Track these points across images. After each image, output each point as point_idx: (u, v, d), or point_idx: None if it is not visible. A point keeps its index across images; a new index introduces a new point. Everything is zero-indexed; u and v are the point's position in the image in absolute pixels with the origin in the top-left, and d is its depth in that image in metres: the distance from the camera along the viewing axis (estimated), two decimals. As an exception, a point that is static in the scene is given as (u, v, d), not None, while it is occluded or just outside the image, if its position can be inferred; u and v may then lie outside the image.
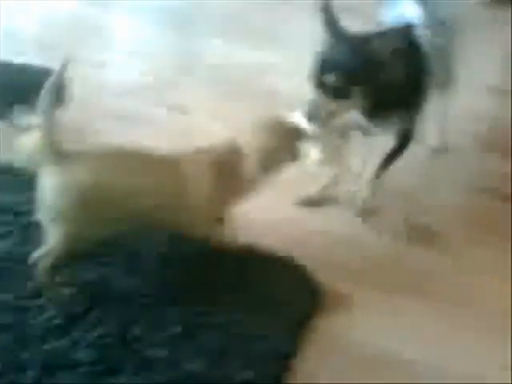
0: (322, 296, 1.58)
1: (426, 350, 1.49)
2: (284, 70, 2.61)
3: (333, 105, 1.64)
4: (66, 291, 1.49)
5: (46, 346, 1.37)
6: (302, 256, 1.66)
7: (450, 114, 2.20)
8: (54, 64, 1.47)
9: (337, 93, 1.62)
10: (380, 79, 1.63)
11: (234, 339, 1.43)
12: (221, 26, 2.97)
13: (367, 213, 1.89)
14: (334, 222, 1.86)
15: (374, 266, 1.71)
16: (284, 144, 1.52)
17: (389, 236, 1.82)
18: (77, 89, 2.38)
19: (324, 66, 1.63)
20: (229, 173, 1.49)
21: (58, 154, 1.37)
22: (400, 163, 1.90)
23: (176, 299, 1.50)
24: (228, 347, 1.41)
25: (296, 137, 1.54)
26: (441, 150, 2.17)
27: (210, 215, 1.54)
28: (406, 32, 1.70)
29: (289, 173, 1.59)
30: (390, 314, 1.57)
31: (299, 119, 1.59)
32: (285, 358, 1.42)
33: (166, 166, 1.47)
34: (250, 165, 1.48)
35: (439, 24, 1.83)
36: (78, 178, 1.37)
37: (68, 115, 2.19)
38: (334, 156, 1.83)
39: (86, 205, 1.38)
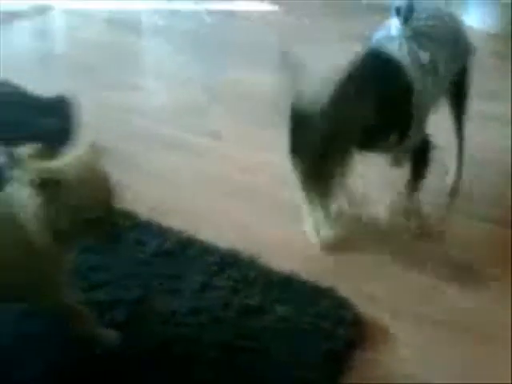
0: (362, 327, 1.57)
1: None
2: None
3: None
4: None
5: None
6: (336, 286, 1.65)
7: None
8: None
9: None
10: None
11: (274, 366, 1.42)
12: (251, 56, 3.01)
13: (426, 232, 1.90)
14: (366, 254, 1.85)
15: (411, 299, 1.69)
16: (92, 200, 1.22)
17: (424, 270, 1.80)
18: (108, 112, 2.42)
19: None
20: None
21: None
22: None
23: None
24: (267, 373, 1.40)
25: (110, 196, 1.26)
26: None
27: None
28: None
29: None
30: (431, 347, 1.55)
31: None
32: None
33: None
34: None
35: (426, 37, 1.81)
36: None
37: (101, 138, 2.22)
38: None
39: None
